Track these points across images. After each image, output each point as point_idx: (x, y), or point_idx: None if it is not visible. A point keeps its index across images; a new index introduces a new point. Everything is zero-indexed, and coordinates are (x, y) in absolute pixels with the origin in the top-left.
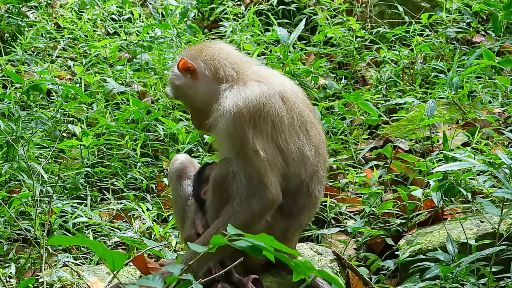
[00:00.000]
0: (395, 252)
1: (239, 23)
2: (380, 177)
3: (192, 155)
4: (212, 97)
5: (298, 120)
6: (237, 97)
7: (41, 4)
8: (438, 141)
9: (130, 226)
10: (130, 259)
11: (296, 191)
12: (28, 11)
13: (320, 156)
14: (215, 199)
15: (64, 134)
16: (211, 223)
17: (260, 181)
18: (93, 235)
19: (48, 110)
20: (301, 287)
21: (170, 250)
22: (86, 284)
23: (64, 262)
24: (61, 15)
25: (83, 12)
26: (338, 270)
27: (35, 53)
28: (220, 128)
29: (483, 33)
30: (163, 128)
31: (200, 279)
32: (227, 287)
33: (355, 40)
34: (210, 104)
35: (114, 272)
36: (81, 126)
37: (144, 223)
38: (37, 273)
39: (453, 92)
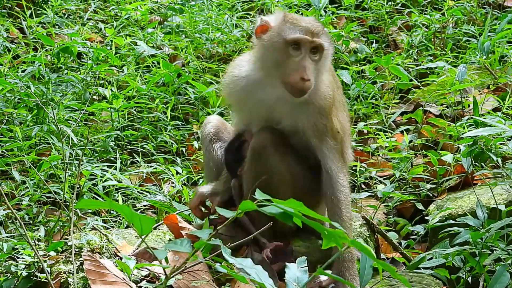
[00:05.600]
0: (425, 217)
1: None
2: (410, 141)
3: (224, 118)
4: None
5: (339, 90)
6: (327, 85)
7: None
8: (468, 106)
9: (159, 190)
10: (160, 223)
11: None
12: None
13: (348, 117)
14: (252, 169)
15: (94, 97)
16: (246, 189)
17: (344, 158)
18: (122, 199)
19: (79, 72)
20: (334, 256)
21: None
22: (115, 247)
23: (93, 226)
24: None
25: None
26: (368, 235)
27: (66, 16)
28: (311, 114)
29: None
30: (193, 91)
31: (229, 243)
32: (257, 251)
33: (387, 4)
34: None
35: (142, 237)
36: (111, 89)
37: (174, 187)
38: (66, 236)
39: (484, 57)
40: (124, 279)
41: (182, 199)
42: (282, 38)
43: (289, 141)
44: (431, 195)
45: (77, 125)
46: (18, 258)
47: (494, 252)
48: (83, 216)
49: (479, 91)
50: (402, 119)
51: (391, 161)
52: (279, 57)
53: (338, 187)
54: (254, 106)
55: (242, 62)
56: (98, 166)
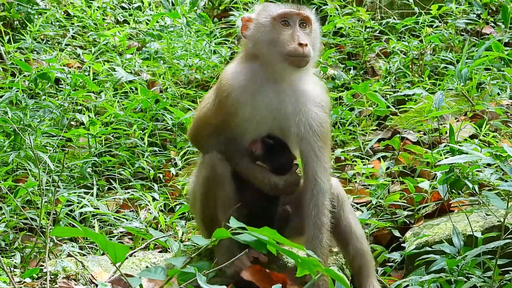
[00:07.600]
0: (402, 244)
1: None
2: (387, 168)
3: None
4: None
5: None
6: (322, 86)
7: None
8: (446, 132)
9: (136, 216)
10: (136, 249)
11: None
12: None
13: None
14: None
15: (72, 123)
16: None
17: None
18: (99, 225)
19: (56, 98)
20: (308, 284)
21: (176, 241)
22: (91, 274)
23: (68, 252)
24: (70, 2)
25: (93, 0)
26: (344, 262)
27: (44, 41)
28: (312, 104)
29: (492, 24)
30: (171, 118)
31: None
32: None
33: (365, 30)
34: None
35: (117, 264)
36: (89, 115)
37: (150, 213)
38: (42, 263)
39: (462, 84)
40: None
41: (159, 225)
42: (269, 16)
43: None
44: (407, 222)
45: (54, 151)
46: None
47: (470, 279)
48: (59, 242)
49: (456, 118)
50: (379, 146)
51: (368, 188)
52: (270, 36)
53: (324, 209)
54: (263, 111)
55: (235, 73)
56: (75, 192)
